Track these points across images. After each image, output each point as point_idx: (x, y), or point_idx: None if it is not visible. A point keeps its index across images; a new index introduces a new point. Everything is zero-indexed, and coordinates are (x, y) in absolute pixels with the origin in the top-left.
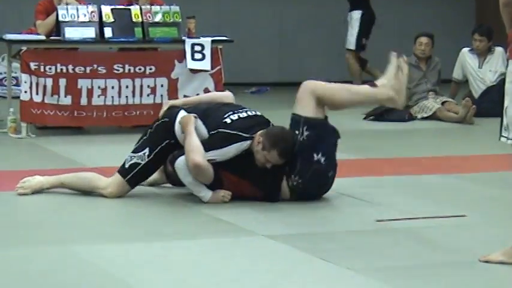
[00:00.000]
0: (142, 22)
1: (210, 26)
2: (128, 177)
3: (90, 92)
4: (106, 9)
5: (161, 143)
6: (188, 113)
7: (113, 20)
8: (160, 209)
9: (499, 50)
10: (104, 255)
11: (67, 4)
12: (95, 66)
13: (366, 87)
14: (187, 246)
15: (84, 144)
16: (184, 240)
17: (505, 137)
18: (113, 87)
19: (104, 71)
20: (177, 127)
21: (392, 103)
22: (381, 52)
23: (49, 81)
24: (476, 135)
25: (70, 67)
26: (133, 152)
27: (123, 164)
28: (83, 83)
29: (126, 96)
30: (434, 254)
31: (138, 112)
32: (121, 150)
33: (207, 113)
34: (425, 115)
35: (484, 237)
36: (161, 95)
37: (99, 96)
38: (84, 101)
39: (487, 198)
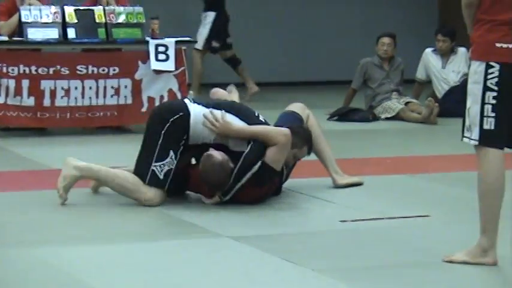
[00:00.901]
0: (105, 23)
1: (174, 27)
2: (167, 186)
3: (53, 93)
4: (69, 10)
5: (181, 140)
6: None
7: (76, 20)
8: (123, 210)
9: (462, 50)
10: (66, 257)
11: (30, 5)
12: (58, 67)
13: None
14: (150, 247)
15: (48, 146)
16: (147, 242)
17: (468, 137)
18: (76, 88)
19: (67, 72)
20: (193, 119)
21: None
22: (344, 53)
23: (12, 82)
24: (440, 135)
25: (33, 68)
26: (156, 161)
27: (155, 176)
28: (46, 84)
29: (90, 97)
30: (398, 254)
31: (101, 113)
32: (85, 151)
33: (236, 107)
34: (388, 115)
35: (448, 237)
36: (125, 96)
37: (62, 97)
38: (47, 102)
39: (451, 198)
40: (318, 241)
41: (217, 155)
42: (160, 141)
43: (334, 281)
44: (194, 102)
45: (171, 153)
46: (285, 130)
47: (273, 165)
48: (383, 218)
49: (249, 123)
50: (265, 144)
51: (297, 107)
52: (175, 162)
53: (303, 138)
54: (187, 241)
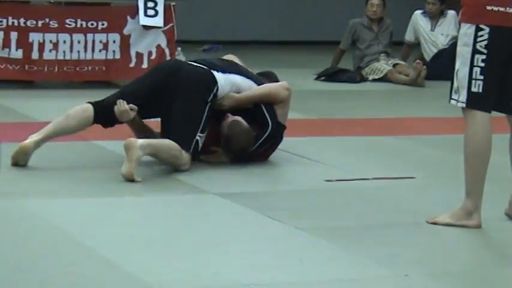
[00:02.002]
0: None
1: None
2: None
3: (41, 46)
4: None
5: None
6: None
7: None
8: (113, 165)
9: (451, 13)
10: (50, 209)
11: None
12: (47, 20)
13: None
14: (135, 202)
15: (35, 98)
16: (134, 197)
17: (455, 99)
18: (64, 42)
19: (56, 25)
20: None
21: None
22: (333, 13)
23: (0, 34)
24: (427, 97)
25: (22, 20)
26: (201, 131)
27: (197, 145)
28: (35, 37)
29: (78, 51)
30: (382, 215)
31: (89, 67)
32: (72, 105)
33: (239, 68)
34: (376, 77)
35: (433, 199)
36: (113, 51)
37: (50, 50)
38: (35, 55)
39: (437, 160)
40: (303, 200)
41: (243, 120)
42: (206, 113)
43: (317, 239)
44: (197, 62)
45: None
46: (284, 84)
47: (282, 121)
48: (368, 179)
49: (254, 81)
50: (272, 103)
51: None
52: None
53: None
54: (173, 197)
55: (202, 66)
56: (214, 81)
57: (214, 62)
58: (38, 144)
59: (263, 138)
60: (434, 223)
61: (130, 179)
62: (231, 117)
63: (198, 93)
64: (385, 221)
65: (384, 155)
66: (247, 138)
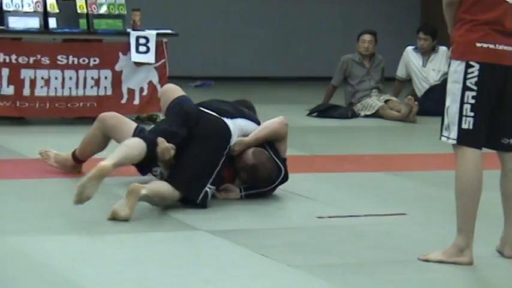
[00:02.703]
0: (87, 13)
1: (156, 19)
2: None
3: (33, 83)
4: (51, 0)
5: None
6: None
7: (57, 10)
8: (102, 202)
9: (443, 49)
10: (43, 247)
11: None
12: (39, 56)
13: None
14: (126, 239)
15: (27, 135)
16: (124, 234)
17: (446, 136)
18: (56, 78)
19: (48, 61)
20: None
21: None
22: (325, 50)
23: None
24: (419, 133)
25: (13, 57)
26: (211, 184)
27: (206, 197)
28: (26, 73)
29: (70, 88)
30: (374, 252)
31: (81, 104)
32: (63, 141)
33: (243, 111)
34: (368, 113)
35: (424, 236)
36: (105, 87)
37: (42, 87)
38: (26, 91)
39: (428, 196)
40: (295, 237)
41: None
42: (219, 166)
43: (310, 276)
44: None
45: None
46: (283, 120)
47: (284, 155)
48: (360, 215)
49: (254, 121)
50: (276, 140)
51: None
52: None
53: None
54: (164, 234)
55: (215, 115)
56: (229, 131)
57: (222, 108)
58: (115, 167)
59: (278, 181)
60: (427, 260)
61: (121, 219)
62: (251, 148)
63: (216, 146)
64: (377, 258)
65: (376, 191)
66: (273, 165)
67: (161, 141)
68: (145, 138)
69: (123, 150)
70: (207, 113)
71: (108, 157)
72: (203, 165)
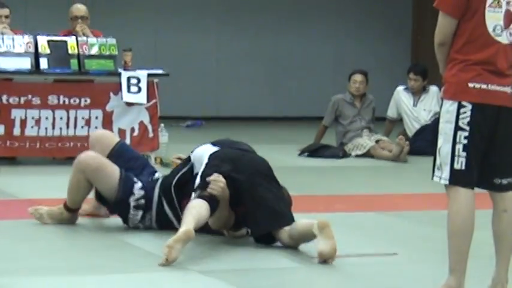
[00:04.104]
0: (78, 54)
1: (147, 59)
2: None
3: (23, 123)
4: (42, 41)
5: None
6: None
7: (48, 51)
8: (91, 242)
9: (433, 89)
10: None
11: (2, 34)
12: (29, 96)
13: None
14: (119, 280)
15: (17, 175)
16: (116, 274)
17: (438, 176)
18: (47, 118)
19: (39, 101)
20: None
21: None
22: (316, 90)
23: None
24: (410, 173)
25: (4, 97)
26: None
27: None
28: (17, 113)
29: (60, 128)
30: None
31: (72, 144)
32: (54, 181)
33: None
34: (359, 153)
35: (416, 275)
36: (95, 127)
37: (32, 126)
38: (17, 131)
39: (419, 236)
40: (287, 277)
41: None
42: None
43: None
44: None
45: None
46: None
47: None
48: (351, 256)
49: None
50: None
51: None
52: None
53: None
54: (156, 274)
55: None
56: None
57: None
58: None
59: None
60: None
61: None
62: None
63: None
64: None
65: (367, 231)
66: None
67: (217, 176)
68: (202, 197)
69: (192, 212)
70: (250, 152)
71: (184, 223)
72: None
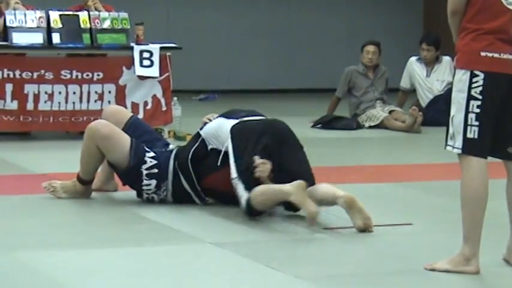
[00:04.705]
0: (90, 28)
1: (159, 33)
2: None
3: (36, 97)
4: (54, 15)
5: None
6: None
7: (61, 25)
8: (106, 216)
9: (446, 59)
10: (48, 261)
11: (15, 9)
12: (42, 71)
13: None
14: (132, 253)
15: (31, 150)
16: (129, 247)
17: (451, 145)
18: (60, 93)
19: (52, 76)
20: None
21: None
22: (329, 61)
23: None
24: (423, 144)
25: (17, 72)
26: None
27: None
28: (30, 88)
29: (73, 102)
30: (381, 262)
31: (85, 118)
32: (68, 156)
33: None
34: (372, 124)
35: (430, 245)
36: (109, 101)
37: (45, 101)
38: (30, 106)
39: (434, 206)
40: (301, 248)
41: None
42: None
43: (317, 287)
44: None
45: None
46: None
47: None
48: None
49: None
50: None
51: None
52: None
53: None
54: (169, 247)
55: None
56: None
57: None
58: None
59: None
60: (433, 269)
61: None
62: None
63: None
64: (384, 268)
65: (381, 202)
66: None
67: (262, 161)
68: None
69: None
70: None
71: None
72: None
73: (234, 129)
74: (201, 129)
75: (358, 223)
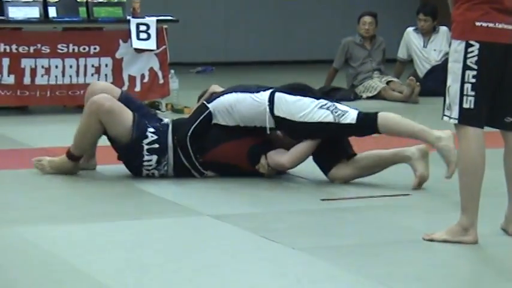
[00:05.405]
0: (86, 2)
1: (155, 6)
2: None
3: (33, 72)
4: None
5: None
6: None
7: None
8: (104, 189)
9: (443, 29)
10: (48, 236)
11: None
12: (39, 45)
13: None
14: (131, 226)
15: (28, 124)
16: (128, 221)
17: (448, 116)
18: (56, 67)
19: (48, 50)
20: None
21: None
22: (326, 32)
23: None
24: (421, 114)
25: (13, 46)
26: None
27: None
28: (27, 63)
29: (70, 76)
30: (379, 233)
31: (82, 92)
32: (65, 130)
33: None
34: (370, 94)
35: (428, 216)
36: (105, 75)
37: (42, 75)
38: (27, 80)
39: (431, 177)
40: (299, 219)
41: None
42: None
43: (315, 259)
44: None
45: None
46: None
47: None
48: (364, 197)
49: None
50: None
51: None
52: None
53: None
54: (168, 219)
55: None
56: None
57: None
58: None
59: None
60: (431, 240)
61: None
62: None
63: None
64: (382, 239)
65: (379, 173)
66: None
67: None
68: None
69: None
70: None
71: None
72: None
73: (279, 91)
74: (208, 102)
75: (423, 171)
